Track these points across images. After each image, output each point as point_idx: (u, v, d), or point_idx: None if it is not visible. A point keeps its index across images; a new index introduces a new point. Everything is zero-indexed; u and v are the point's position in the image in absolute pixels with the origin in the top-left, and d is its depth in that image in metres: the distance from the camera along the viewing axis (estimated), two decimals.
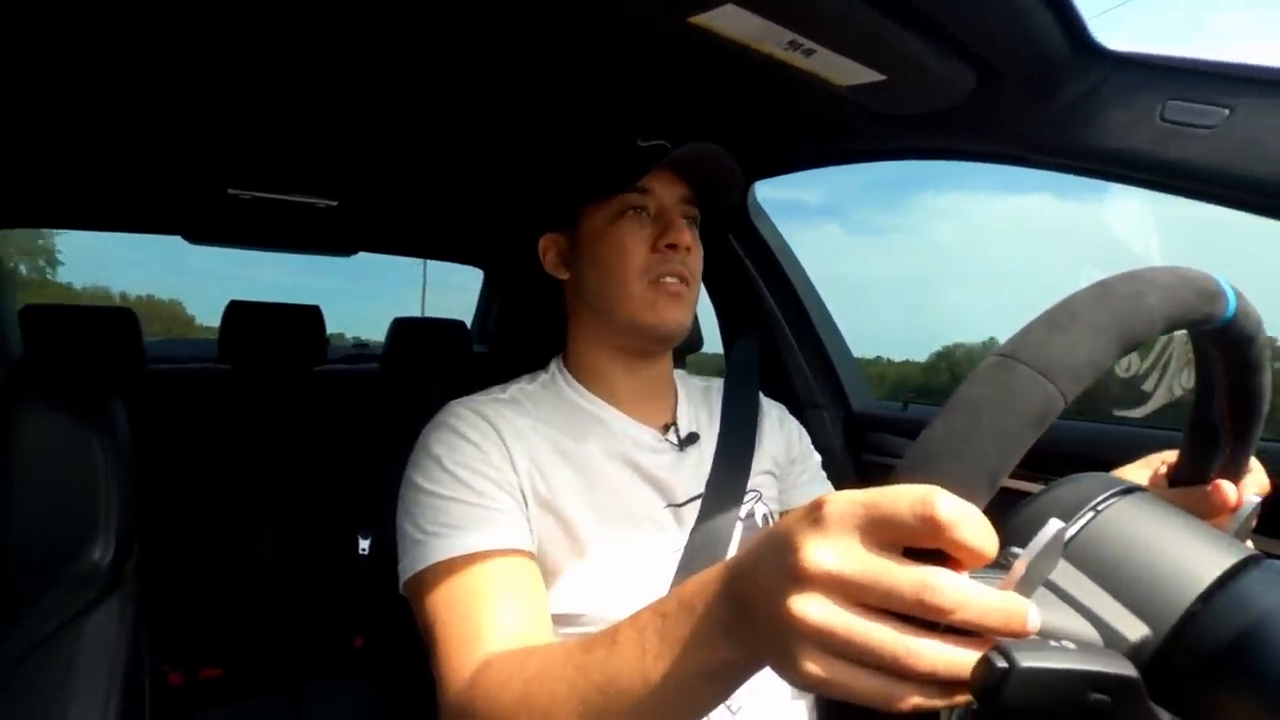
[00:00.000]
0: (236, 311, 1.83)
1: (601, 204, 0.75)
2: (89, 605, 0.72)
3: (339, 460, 1.85)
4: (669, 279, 0.73)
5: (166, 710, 1.43)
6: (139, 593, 0.77)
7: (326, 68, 1.07)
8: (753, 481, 0.78)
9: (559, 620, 0.65)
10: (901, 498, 0.28)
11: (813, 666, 0.28)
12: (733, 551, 0.72)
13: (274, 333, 1.86)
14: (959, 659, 0.27)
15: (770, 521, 0.79)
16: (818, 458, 0.90)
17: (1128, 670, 0.26)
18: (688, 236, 0.74)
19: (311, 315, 1.91)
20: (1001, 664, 0.25)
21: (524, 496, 0.68)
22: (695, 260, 0.77)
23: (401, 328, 1.97)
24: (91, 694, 0.68)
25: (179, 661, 1.67)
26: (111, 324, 1.73)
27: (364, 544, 1.73)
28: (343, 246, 2.23)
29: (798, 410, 1.28)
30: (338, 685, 1.63)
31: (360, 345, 2.71)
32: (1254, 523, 0.41)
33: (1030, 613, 0.27)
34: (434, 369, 1.92)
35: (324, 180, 1.63)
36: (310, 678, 1.64)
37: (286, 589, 1.80)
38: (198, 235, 2.05)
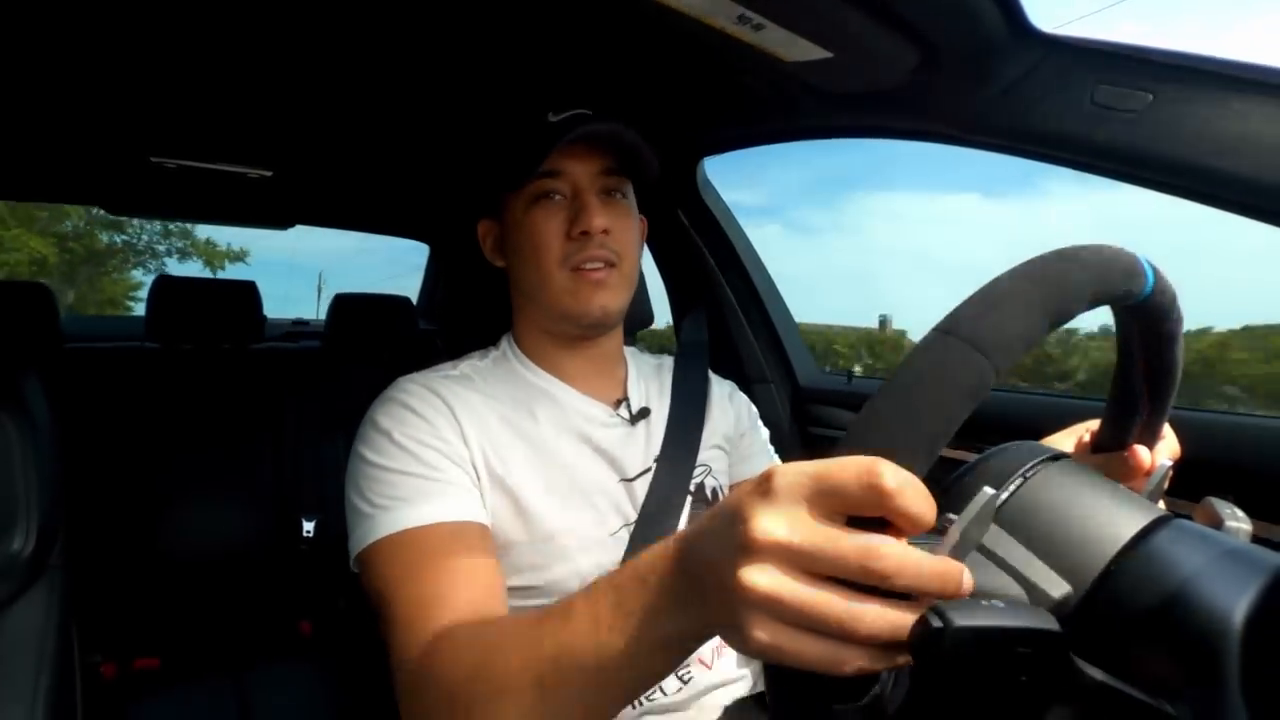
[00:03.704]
0: (165, 287, 1.73)
1: (519, 191, 0.73)
2: (10, 598, 0.68)
3: (279, 441, 1.79)
4: (590, 264, 0.71)
5: (100, 704, 1.38)
6: (66, 583, 0.73)
7: (260, 28, 1.01)
8: (702, 455, 0.79)
9: (513, 594, 0.65)
10: (848, 468, 0.29)
11: (762, 634, 0.29)
12: (682, 524, 0.73)
13: (206, 309, 1.78)
14: (900, 621, 0.28)
15: (719, 495, 0.80)
16: (765, 432, 0.92)
17: (1050, 625, 0.28)
18: (600, 220, 0.70)
19: (246, 291, 1.83)
20: (937, 623, 0.26)
21: (476, 471, 0.67)
22: (620, 237, 0.73)
23: (343, 304, 1.91)
24: (16, 691, 0.65)
25: (112, 652, 1.60)
26: (20, 299, 1.62)
27: (308, 526, 1.68)
28: (278, 219, 2.14)
29: (746, 385, 1.30)
30: (284, 672, 1.60)
31: (300, 323, 2.61)
32: (1167, 484, 0.44)
33: (965, 576, 0.29)
34: (378, 346, 1.87)
35: (258, 149, 1.55)
36: (254, 665, 1.60)
37: (226, 575, 1.74)
38: (119, 206, 1.93)
